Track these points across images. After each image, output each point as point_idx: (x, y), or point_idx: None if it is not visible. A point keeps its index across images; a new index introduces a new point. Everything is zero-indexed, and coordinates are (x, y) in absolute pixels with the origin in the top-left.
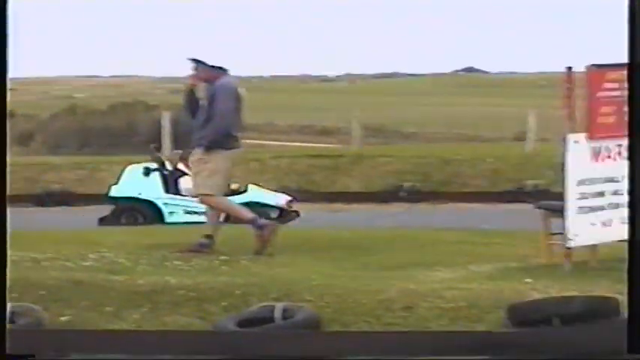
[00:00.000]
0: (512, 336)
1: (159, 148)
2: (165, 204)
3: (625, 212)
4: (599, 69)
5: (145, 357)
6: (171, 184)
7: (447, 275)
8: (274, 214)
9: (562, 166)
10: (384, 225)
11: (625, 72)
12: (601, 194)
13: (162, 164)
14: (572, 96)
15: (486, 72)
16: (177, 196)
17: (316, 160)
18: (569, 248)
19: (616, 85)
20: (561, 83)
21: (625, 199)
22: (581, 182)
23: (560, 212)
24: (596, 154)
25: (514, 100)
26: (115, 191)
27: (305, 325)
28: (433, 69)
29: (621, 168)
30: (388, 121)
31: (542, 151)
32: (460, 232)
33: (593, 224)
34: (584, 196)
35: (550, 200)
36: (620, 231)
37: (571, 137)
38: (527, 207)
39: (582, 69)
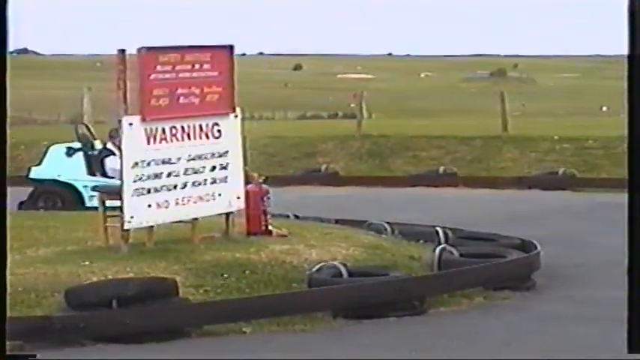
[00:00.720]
0: (69, 319)
1: (88, 127)
2: (85, 187)
3: (181, 193)
4: (151, 52)
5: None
6: (96, 166)
7: None
8: None
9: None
10: None
11: (176, 55)
12: (157, 176)
13: (90, 144)
14: (124, 78)
15: (40, 54)
16: (102, 178)
17: None
18: (125, 230)
19: (168, 68)
20: (115, 66)
21: (181, 180)
22: (136, 164)
23: (117, 194)
24: (150, 136)
25: (69, 82)
26: (34, 173)
27: None
28: None
29: (176, 150)
30: None
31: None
32: (16, 215)
33: (149, 206)
34: (139, 178)
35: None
36: (176, 212)
37: (126, 119)
38: None
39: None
